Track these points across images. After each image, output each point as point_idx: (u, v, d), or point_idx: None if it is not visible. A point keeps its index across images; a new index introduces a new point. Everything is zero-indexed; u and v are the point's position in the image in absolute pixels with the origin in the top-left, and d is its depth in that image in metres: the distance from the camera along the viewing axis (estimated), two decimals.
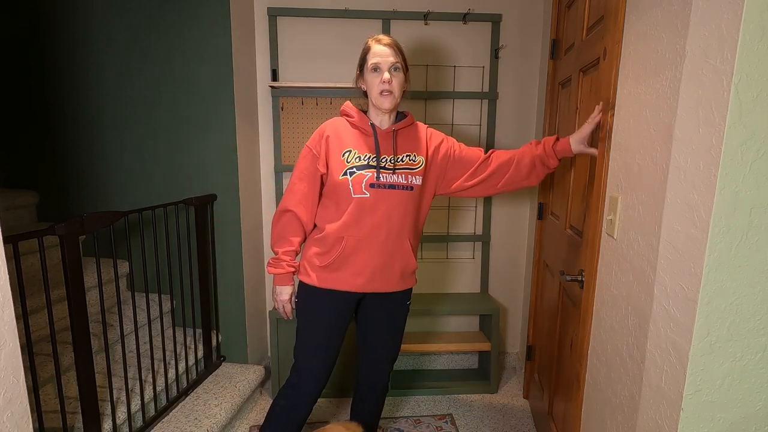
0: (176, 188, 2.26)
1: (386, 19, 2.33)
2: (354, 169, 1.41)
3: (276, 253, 1.52)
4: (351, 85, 2.25)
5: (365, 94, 1.49)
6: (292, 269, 1.52)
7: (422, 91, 2.40)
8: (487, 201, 2.52)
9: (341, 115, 1.53)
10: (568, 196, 1.76)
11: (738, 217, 0.85)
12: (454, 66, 2.41)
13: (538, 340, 2.18)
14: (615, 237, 1.28)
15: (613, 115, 1.32)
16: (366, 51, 1.44)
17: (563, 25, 1.95)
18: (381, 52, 1.41)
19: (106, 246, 1.70)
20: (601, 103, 1.39)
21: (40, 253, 1.33)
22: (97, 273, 1.60)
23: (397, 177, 1.43)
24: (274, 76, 2.35)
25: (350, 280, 1.47)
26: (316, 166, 1.47)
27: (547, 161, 1.51)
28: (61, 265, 1.42)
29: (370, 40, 1.44)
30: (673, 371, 0.98)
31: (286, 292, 1.54)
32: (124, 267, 2.27)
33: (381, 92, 1.42)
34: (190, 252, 2.14)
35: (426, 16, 2.33)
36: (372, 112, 1.50)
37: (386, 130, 1.48)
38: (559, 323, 1.82)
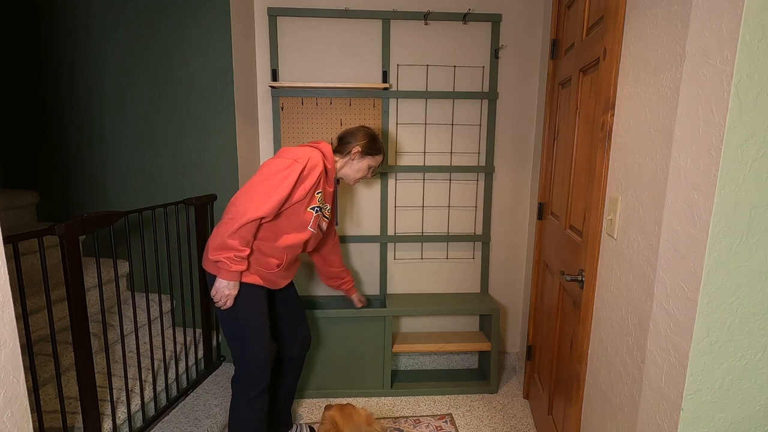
0: (176, 188, 2.26)
1: (386, 19, 2.33)
2: (317, 209, 1.68)
3: (240, 251, 1.54)
4: (351, 85, 2.29)
5: (348, 152, 1.77)
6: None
7: (422, 91, 2.40)
8: (487, 201, 2.52)
9: (321, 156, 1.66)
10: (568, 196, 1.76)
11: (738, 217, 0.85)
12: (454, 66, 2.41)
13: (538, 340, 2.18)
14: (615, 237, 1.28)
15: (613, 115, 1.32)
16: (379, 151, 1.81)
17: (563, 25, 1.95)
18: (380, 161, 1.85)
19: (106, 246, 1.70)
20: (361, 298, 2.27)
21: (40, 253, 1.33)
22: (97, 273, 1.60)
23: (324, 224, 1.79)
24: (274, 76, 2.36)
25: (281, 282, 1.76)
26: (296, 186, 1.58)
27: (339, 288, 2.17)
28: (61, 265, 1.42)
29: (380, 152, 1.82)
30: (673, 371, 0.98)
31: (237, 287, 1.60)
32: (124, 267, 2.27)
33: (359, 180, 1.83)
34: (190, 252, 2.14)
35: (426, 16, 2.33)
36: (337, 167, 1.79)
37: (334, 187, 1.82)
38: (559, 323, 1.82)
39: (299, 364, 1.97)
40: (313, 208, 1.66)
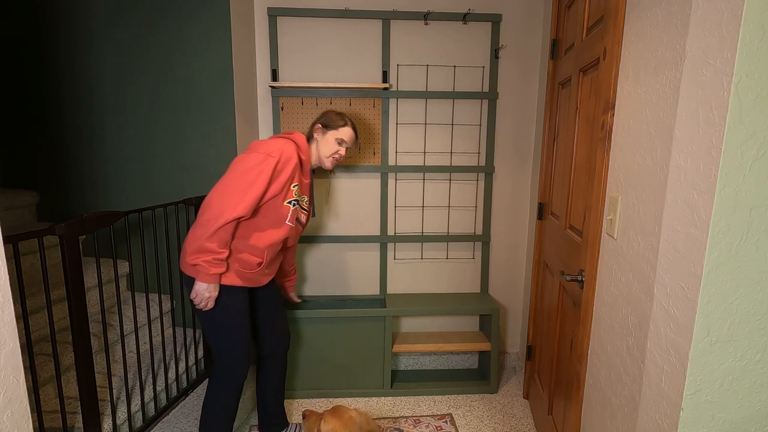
0: (176, 188, 2.26)
1: (386, 19, 2.33)
2: (295, 202, 1.65)
3: (219, 254, 1.52)
4: (351, 85, 2.29)
5: (311, 137, 1.78)
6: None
7: (422, 91, 2.40)
8: (487, 201, 2.52)
9: (295, 147, 1.62)
10: (568, 196, 1.76)
11: (738, 217, 0.85)
12: (454, 66, 2.41)
13: (538, 340, 2.18)
14: (615, 237, 1.28)
15: (613, 115, 1.32)
16: (340, 122, 1.75)
17: (563, 25, 1.95)
18: (350, 135, 1.77)
19: (106, 246, 1.69)
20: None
21: (40, 253, 1.33)
22: (97, 273, 1.60)
23: (303, 217, 1.76)
24: (274, 76, 2.36)
25: (263, 279, 1.73)
26: (271, 181, 1.55)
27: (282, 283, 2.10)
28: (61, 265, 1.42)
29: (345, 124, 1.75)
30: (673, 371, 0.98)
31: (218, 289, 1.59)
32: (124, 267, 2.27)
33: (332, 158, 1.76)
34: None
35: (426, 16, 2.33)
36: (311, 155, 1.77)
37: (310, 178, 1.78)
38: (559, 323, 1.82)
39: (282, 362, 1.96)
40: (290, 202, 1.63)
